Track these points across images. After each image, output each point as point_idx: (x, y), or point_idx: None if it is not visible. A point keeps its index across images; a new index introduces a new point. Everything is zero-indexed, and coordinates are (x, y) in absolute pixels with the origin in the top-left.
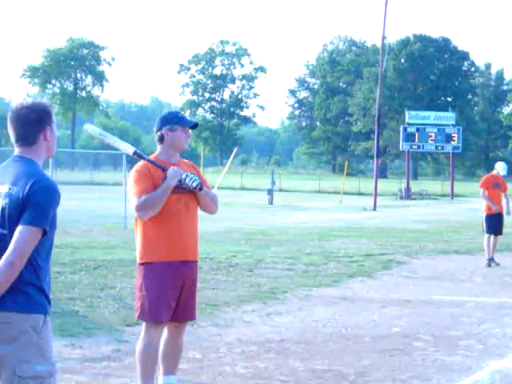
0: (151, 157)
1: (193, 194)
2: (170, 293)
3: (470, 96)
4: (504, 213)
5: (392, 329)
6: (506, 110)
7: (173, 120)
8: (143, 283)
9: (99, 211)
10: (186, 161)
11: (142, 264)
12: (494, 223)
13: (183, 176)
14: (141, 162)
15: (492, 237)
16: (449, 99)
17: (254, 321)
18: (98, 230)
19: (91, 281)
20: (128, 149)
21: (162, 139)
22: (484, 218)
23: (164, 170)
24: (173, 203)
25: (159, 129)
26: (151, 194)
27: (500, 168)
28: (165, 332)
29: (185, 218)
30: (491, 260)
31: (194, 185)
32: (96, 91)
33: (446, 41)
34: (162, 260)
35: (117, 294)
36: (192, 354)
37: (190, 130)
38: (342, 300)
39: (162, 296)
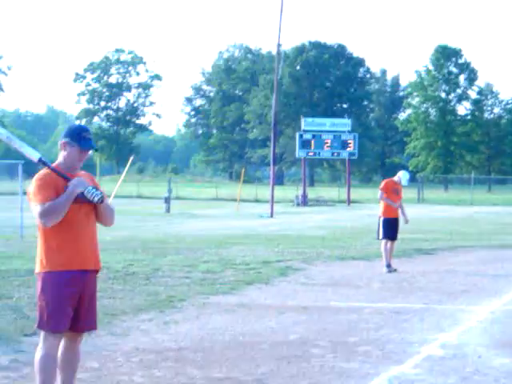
0: (53, 165)
1: (93, 204)
2: (68, 302)
3: (365, 102)
4: (400, 220)
5: (290, 335)
6: (402, 115)
7: (73, 136)
8: (41, 292)
9: None
10: (82, 172)
11: (40, 273)
12: (390, 228)
13: (88, 188)
14: (43, 171)
15: (388, 242)
16: (345, 106)
17: (151, 329)
18: None
19: None
20: (33, 155)
21: (61, 148)
22: (381, 223)
23: (67, 179)
24: (74, 212)
25: (62, 137)
26: (55, 200)
27: (403, 178)
28: (62, 341)
29: (85, 228)
30: (391, 266)
31: (96, 200)
32: None
33: (342, 47)
34: (60, 269)
35: (14, 304)
36: (90, 363)
37: (91, 151)
38: (239, 307)
39: (60, 305)
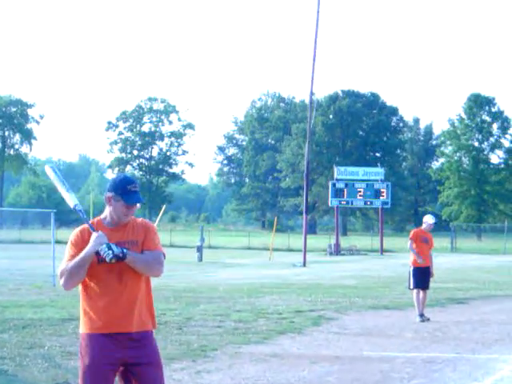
0: (97, 218)
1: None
2: (104, 364)
3: (398, 151)
4: (431, 268)
5: None
6: (435, 164)
7: (118, 190)
8: (79, 353)
9: (27, 269)
10: (139, 221)
11: (80, 333)
12: (421, 277)
13: (103, 246)
14: (78, 229)
15: (421, 292)
16: (377, 154)
17: (183, 379)
18: (26, 288)
19: (20, 339)
20: (71, 200)
21: (106, 203)
22: (411, 272)
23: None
24: (103, 274)
25: (106, 190)
26: (72, 261)
27: (429, 218)
28: None
29: (117, 289)
30: (423, 316)
31: (107, 259)
32: (24, 149)
33: (375, 96)
34: (90, 332)
35: (46, 353)
36: None
37: (138, 205)
38: (271, 357)
39: (94, 368)
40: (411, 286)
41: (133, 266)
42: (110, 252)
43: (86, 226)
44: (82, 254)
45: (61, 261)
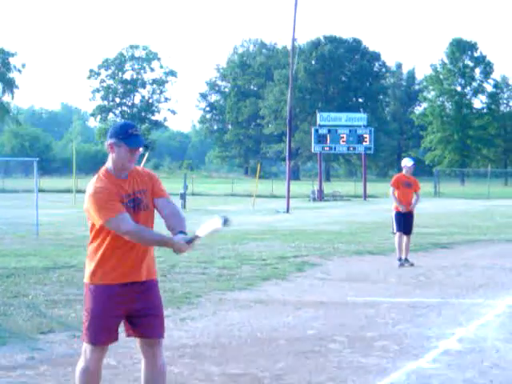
0: (103, 169)
1: (146, 212)
2: (112, 314)
3: (381, 96)
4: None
5: (307, 331)
6: (418, 109)
7: (119, 135)
8: (85, 304)
9: (11, 219)
10: (141, 170)
11: (86, 284)
12: (404, 222)
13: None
14: (98, 183)
15: (404, 237)
16: (360, 100)
17: (168, 326)
18: (10, 237)
19: (4, 289)
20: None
21: (109, 151)
22: (393, 217)
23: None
24: None
25: (107, 138)
26: (147, 230)
27: (406, 161)
28: (142, 358)
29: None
30: (402, 260)
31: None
32: (6, 98)
33: (357, 41)
34: (106, 283)
35: (30, 302)
36: (106, 360)
37: (141, 149)
38: (256, 303)
39: (100, 318)
40: (394, 230)
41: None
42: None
43: (99, 173)
44: (165, 239)
45: (44, 209)
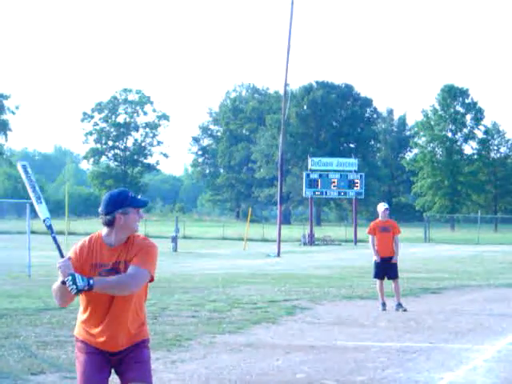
0: (98, 233)
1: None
2: (95, 371)
3: (372, 142)
4: (395, 256)
5: (297, 375)
6: (409, 155)
7: (125, 202)
8: (76, 354)
9: (3, 260)
10: (140, 238)
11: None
12: (383, 267)
13: (69, 278)
14: (79, 242)
15: (392, 282)
16: (351, 145)
17: (158, 368)
18: (2, 278)
19: None
20: (40, 213)
21: (111, 223)
22: (373, 263)
23: (62, 257)
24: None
25: (110, 212)
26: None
27: (379, 206)
28: None
29: (105, 308)
30: (385, 305)
31: (73, 293)
32: (0, 140)
33: (349, 87)
34: (83, 339)
35: (21, 343)
36: None
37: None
38: (246, 347)
39: (86, 373)
40: (372, 277)
41: (103, 293)
42: (74, 287)
43: (90, 236)
44: (55, 284)
45: (36, 251)
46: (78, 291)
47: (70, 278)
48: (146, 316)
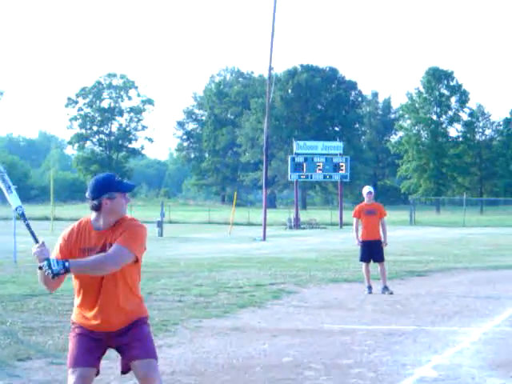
0: (86, 218)
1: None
2: (86, 347)
3: (357, 125)
4: (384, 238)
5: (283, 358)
6: (394, 138)
7: (111, 187)
8: (70, 336)
9: None
10: (128, 219)
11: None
12: (367, 250)
13: (44, 263)
14: (68, 228)
15: (378, 265)
16: (336, 129)
17: None
18: None
19: None
20: (12, 203)
21: (98, 208)
22: (359, 247)
23: (37, 243)
24: (78, 276)
25: (96, 197)
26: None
27: (364, 190)
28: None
29: (96, 291)
30: (371, 288)
31: (50, 277)
32: None
33: (333, 70)
34: (78, 322)
35: (7, 329)
36: None
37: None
38: (232, 331)
39: (76, 347)
40: (358, 260)
41: (83, 274)
42: (50, 271)
43: (79, 221)
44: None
45: (22, 237)
46: (54, 275)
47: (45, 262)
48: (142, 296)
